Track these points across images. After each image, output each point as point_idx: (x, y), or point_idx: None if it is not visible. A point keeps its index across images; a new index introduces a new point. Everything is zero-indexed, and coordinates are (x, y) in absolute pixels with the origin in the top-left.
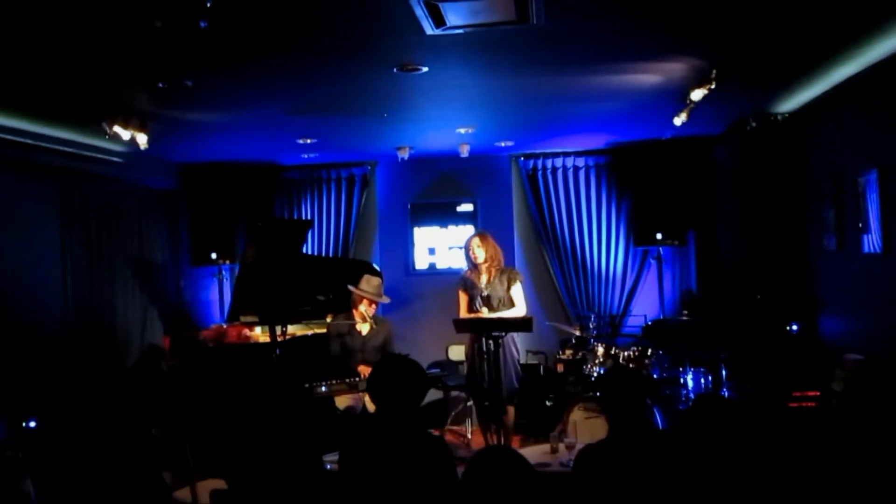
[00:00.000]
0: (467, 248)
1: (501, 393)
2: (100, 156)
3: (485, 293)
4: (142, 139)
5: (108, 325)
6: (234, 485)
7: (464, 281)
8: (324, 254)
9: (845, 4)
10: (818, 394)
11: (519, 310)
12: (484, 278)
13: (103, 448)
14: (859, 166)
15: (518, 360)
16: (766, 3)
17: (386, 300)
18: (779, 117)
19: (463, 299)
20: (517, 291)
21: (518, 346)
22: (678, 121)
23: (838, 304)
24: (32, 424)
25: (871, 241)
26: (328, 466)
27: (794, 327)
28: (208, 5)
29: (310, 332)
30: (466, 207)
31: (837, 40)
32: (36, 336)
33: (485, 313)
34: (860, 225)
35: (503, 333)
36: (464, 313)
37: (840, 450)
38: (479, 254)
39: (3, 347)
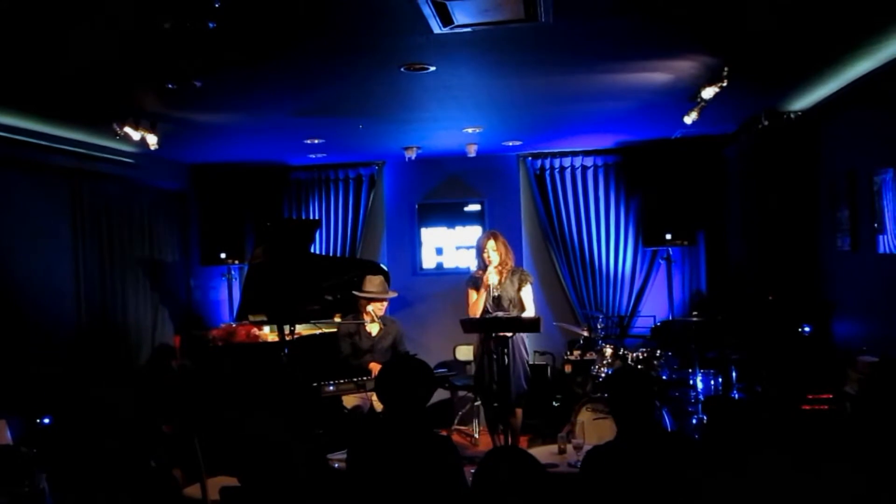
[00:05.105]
0: (480, 249)
1: (510, 394)
2: (110, 156)
3: (495, 293)
4: (152, 140)
5: (119, 325)
6: (245, 482)
7: (474, 280)
8: (331, 254)
9: (860, 2)
10: (831, 396)
11: (528, 312)
12: (495, 279)
13: (115, 445)
14: (875, 165)
15: (527, 362)
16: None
17: (392, 294)
18: (791, 115)
19: (472, 296)
20: (527, 293)
21: (528, 348)
22: (689, 119)
23: (852, 305)
24: (46, 421)
25: (887, 242)
26: (336, 465)
27: (807, 329)
28: (216, 6)
29: (318, 332)
30: (474, 207)
31: (852, 37)
32: (49, 335)
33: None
34: (875, 225)
35: (511, 334)
36: (472, 309)
37: (854, 452)
38: (494, 257)
39: (17, 346)
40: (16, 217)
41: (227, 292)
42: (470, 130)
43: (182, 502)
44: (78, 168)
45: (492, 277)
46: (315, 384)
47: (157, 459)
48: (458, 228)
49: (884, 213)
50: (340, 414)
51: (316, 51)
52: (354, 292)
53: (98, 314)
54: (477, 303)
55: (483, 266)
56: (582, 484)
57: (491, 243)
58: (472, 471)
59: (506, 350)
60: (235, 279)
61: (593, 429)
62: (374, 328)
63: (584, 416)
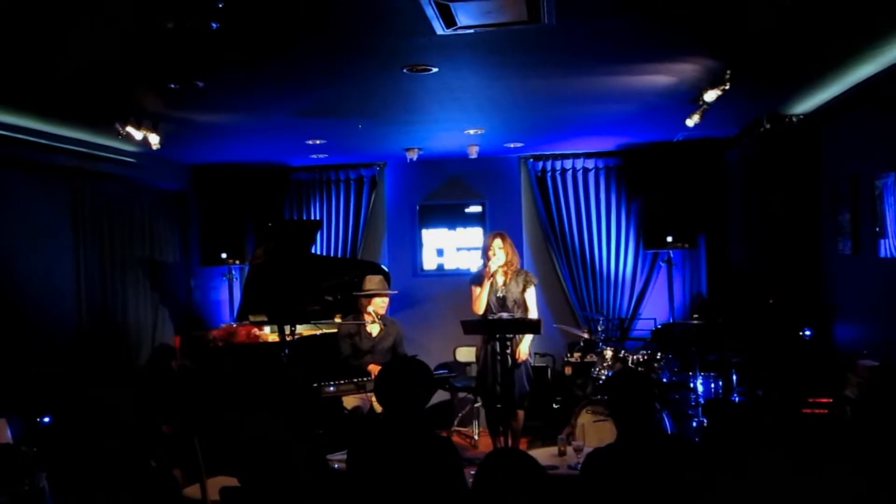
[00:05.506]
0: (487, 248)
1: (513, 395)
2: (111, 156)
3: (500, 294)
4: (154, 140)
5: (119, 325)
6: (245, 482)
7: (476, 277)
8: (332, 255)
9: (862, 4)
10: (831, 400)
11: (531, 314)
12: (500, 279)
13: (115, 445)
14: (877, 169)
15: (530, 364)
16: (781, 2)
17: (392, 292)
18: (793, 119)
19: (475, 291)
20: (531, 295)
21: (530, 350)
22: (691, 122)
23: (853, 308)
24: (46, 421)
25: (888, 246)
26: (335, 466)
27: (808, 332)
28: (220, 6)
29: (318, 333)
30: (475, 209)
31: (854, 40)
32: (50, 334)
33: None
34: (877, 229)
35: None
36: (476, 304)
37: (854, 456)
38: (500, 255)
39: (18, 346)
40: (16, 217)
41: (228, 292)
42: (471, 132)
43: (182, 502)
44: (79, 168)
45: (497, 276)
46: (315, 385)
47: (157, 459)
48: (459, 230)
49: (885, 216)
50: (340, 414)
51: (318, 51)
52: (355, 293)
53: (98, 314)
54: (480, 297)
55: (486, 264)
56: (582, 486)
57: (498, 242)
58: (472, 472)
59: (509, 351)
60: (236, 279)
61: (593, 431)
62: (374, 329)
63: (585, 418)
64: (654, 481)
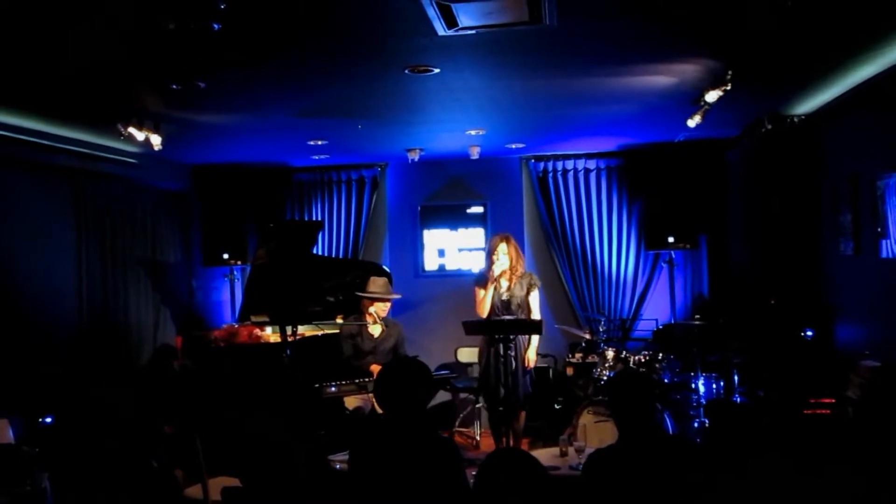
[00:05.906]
0: (491, 251)
1: (518, 395)
2: (113, 157)
3: (504, 296)
4: (156, 140)
5: (121, 325)
6: (246, 482)
7: (482, 280)
8: (334, 255)
9: (862, 5)
10: (833, 401)
11: (534, 317)
12: (505, 282)
13: (116, 445)
14: (878, 169)
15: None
16: (781, 2)
17: (396, 296)
18: (794, 119)
19: (479, 293)
20: (534, 298)
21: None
22: (692, 122)
23: (854, 309)
24: (48, 421)
25: (890, 246)
26: (337, 466)
27: (809, 333)
28: (221, 7)
29: (320, 333)
30: (476, 210)
31: (855, 41)
32: (51, 335)
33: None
34: (878, 229)
35: (513, 336)
36: (480, 307)
37: (856, 456)
38: (505, 260)
39: (19, 346)
40: (18, 217)
41: (230, 293)
42: (473, 132)
43: (183, 503)
44: (80, 168)
45: (501, 280)
46: (317, 385)
47: (159, 460)
48: (461, 230)
49: (887, 217)
50: (342, 415)
51: (319, 51)
52: (358, 293)
53: (100, 314)
54: (484, 300)
55: (490, 267)
56: (584, 487)
57: (503, 246)
58: (474, 472)
59: (513, 353)
60: (238, 280)
61: (595, 431)
62: (376, 330)
63: (586, 418)
64: (655, 482)
